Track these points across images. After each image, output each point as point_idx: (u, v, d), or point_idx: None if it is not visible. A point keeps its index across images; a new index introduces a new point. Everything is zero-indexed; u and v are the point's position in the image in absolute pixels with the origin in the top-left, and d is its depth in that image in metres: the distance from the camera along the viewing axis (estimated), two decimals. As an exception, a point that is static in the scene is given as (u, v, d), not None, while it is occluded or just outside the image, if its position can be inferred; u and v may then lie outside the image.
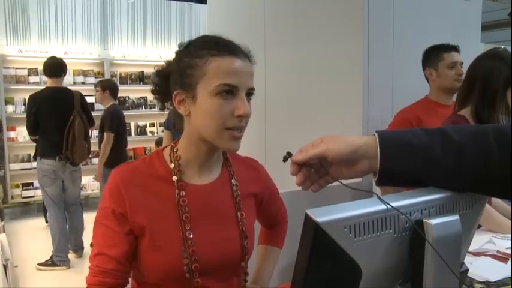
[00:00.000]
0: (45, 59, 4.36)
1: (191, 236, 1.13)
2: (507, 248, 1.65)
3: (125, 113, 5.30)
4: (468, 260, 1.56)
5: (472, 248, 1.67)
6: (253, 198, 1.31)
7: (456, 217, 0.71)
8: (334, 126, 2.96)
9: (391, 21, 2.95)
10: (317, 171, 0.84)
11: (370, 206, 0.68)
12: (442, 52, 2.56)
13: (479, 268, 1.47)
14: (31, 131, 4.27)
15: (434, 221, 0.68)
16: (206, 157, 1.19)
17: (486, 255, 1.60)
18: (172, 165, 1.18)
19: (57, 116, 4.20)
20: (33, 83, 6.46)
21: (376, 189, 2.87)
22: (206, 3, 4.70)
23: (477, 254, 1.61)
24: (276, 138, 3.49)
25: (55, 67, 4.28)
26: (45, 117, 4.17)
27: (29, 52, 6.54)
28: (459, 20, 3.31)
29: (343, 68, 2.93)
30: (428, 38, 2.98)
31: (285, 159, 0.84)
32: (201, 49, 1.11)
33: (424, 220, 0.68)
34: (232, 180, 1.25)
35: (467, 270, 0.89)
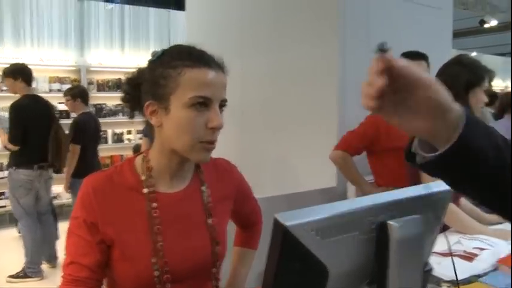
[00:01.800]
0: (14, 65, 4.25)
1: (162, 246, 1.14)
2: (474, 248, 1.71)
3: (102, 120, 5.23)
4: (436, 260, 1.62)
5: (440, 249, 1.73)
6: (227, 201, 1.33)
7: (418, 218, 0.74)
8: (310, 130, 3.01)
9: (366, 27, 3.02)
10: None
11: (337, 209, 0.70)
12: (409, 60, 2.59)
13: (446, 268, 1.53)
14: (17, 140, 4.09)
15: (397, 222, 0.71)
16: (178, 167, 1.20)
17: (454, 255, 1.65)
18: (143, 177, 1.18)
19: (39, 125, 4.14)
20: (6, 90, 6.31)
21: (352, 194, 2.95)
22: (184, 10, 4.71)
23: (445, 254, 1.67)
24: (251, 143, 3.52)
25: (30, 74, 4.23)
26: (30, 126, 4.10)
27: (2, 58, 6.39)
28: (431, 28, 3.41)
29: (318, 72, 2.98)
30: (402, 44, 3.05)
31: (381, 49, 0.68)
32: (175, 59, 1.11)
33: (387, 222, 0.71)
34: (203, 188, 1.26)
35: (432, 269, 0.92)
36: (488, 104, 3.52)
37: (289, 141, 3.14)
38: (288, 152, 3.17)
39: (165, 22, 8.04)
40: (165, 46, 1.20)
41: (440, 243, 1.87)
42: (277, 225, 0.66)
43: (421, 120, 0.67)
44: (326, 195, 2.80)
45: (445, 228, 1.97)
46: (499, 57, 18.75)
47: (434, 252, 1.73)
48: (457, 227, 1.95)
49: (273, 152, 3.24)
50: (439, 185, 0.81)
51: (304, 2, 3.12)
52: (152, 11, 7.92)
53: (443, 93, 0.67)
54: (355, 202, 0.72)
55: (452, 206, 1.98)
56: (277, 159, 3.25)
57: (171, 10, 8.08)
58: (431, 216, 0.79)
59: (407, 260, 0.74)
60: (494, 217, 2.21)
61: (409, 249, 0.74)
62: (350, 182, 2.84)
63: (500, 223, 2.12)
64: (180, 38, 7.60)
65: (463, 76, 1.99)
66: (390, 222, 0.71)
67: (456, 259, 1.64)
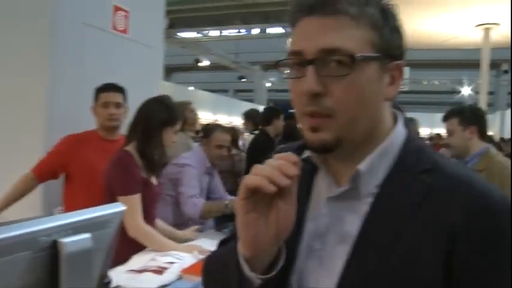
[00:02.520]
0: None
1: None
2: (165, 263, 1.96)
3: None
4: (132, 276, 1.81)
5: (137, 267, 1.93)
6: None
7: (88, 236, 0.86)
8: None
9: (80, 60, 3.07)
10: None
11: (10, 231, 0.76)
12: (100, 92, 2.67)
13: (140, 282, 1.76)
14: None
15: (67, 240, 0.82)
16: None
17: (147, 270, 1.86)
18: None
19: None
20: None
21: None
22: None
23: (141, 271, 1.87)
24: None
25: None
26: None
27: None
28: (144, 63, 3.70)
29: (28, 103, 2.88)
30: (116, 76, 3.22)
31: None
32: None
33: (58, 240, 0.81)
34: None
35: (111, 281, 1.06)
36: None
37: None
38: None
39: None
40: None
41: (138, 262, 2.08)
42: None
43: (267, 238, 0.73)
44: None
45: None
46: (211, 93, 21.26)
47: (130, 270, 1.92)
48: (154, 247, 2.17)
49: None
50: (108, 208, 0.96)
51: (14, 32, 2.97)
52: None
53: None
54: (28, 223, 0.79)
55: (149, 229, 2.21)
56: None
57: None
58: (102, 234, 0.93)
59: (80, 274, 0.86)
60: (186, 233, 2.55)
61: (80, 264, 0.85)
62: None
63: (192, 240, 2.46)
64: None
65: (160, 114, 2.23)
66: (61, 240, 0.81)
67: (149, 274, 1.84)
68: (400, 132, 0.80)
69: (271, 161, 0.71)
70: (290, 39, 0.78)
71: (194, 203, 2.81)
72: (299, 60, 0.75)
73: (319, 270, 0.78)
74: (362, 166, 0.76)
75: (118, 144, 2.38)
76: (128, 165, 2.16)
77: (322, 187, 0.83)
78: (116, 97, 2.65)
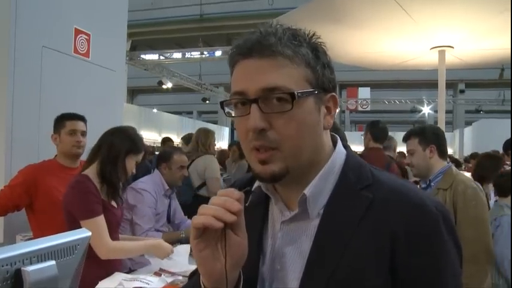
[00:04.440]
0: None
1: None
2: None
3: None
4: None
5: None
6: None
7: (52, 263, 0.85)
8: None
9: (39, 83, 3.02)
10: None
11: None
12: (65, 120, 2.69)
13: None
14: None
15: (31, 268, 0.80)
16: None
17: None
18: None
19: None
20: None
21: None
22: None
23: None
24: None
25: None
26: None
27: None
28: (106, 86, 3.66)
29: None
30: (77, 99, 3.21)
31: None
32: None
33: (22, 268, 0.79)
34: None
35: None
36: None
37: None
38: None
39: None
40: None
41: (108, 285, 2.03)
42: None
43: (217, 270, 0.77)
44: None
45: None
46: (175, 115, 21.15)
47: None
48: (122, 257, 2.22)
49: None
50: (73, 234, 0.94)
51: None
52: None
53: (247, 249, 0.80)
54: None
55: (117, 244, 2.21)
56: None
57: None
58: (68, 260, 0.91)
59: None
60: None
61: (44, 291, 0.83)
62: None
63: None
64: None
65: (124, 143, 2.27)
66: (24, 268, 0.79)
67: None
68: (340, 153, 0.88)
69: (215, 199, 0.76)
70: (231, 81, 0.83)
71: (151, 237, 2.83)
72: (242, 100, 0.80)
73: None
74: (307, 190, 0.82)
75: (78, 172, 2.36)
76: (86, 188, 2.14)
77: (276, 212, 0.89)
78: (82, 126, 2.71)
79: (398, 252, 0.75)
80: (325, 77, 0.83)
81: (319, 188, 0.83)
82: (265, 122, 0.77)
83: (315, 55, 0.82)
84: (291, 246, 0.84)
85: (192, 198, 4.06)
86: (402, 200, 0.79)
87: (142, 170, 4.44)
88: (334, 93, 0.86)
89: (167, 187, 3.12)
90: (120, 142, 2.26)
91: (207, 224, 0.73)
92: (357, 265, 0.76)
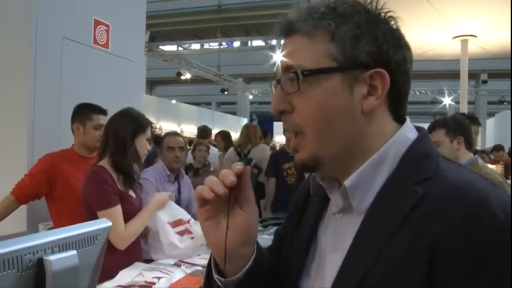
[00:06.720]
0: None
1: None
2: (153, 278, 1.94)
3: None
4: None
5: (125, 282, 1.90)
6: None
7: (74, 253, 0.85)
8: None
9: (60, 75, 3.05)
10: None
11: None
12: (93, 113, 2.73)
13: None
14: None
15: (53, 257, 0.80)
16: None
17: (135, 286, 1.84)
18: None
19: None
20: None
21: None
22: None
23: (128, 287, 1.84)
24: None
25: None
26: None
27: None
28: (125, 77, 3.68)
29: (7, 114, 2.86)
30: (96, 89, 3.23)
31: None
32: None
33: (44, 258, 0.79)
34: None
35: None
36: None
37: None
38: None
39: None
40: None
41: (125, 277, 2.05)
42: None
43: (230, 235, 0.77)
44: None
45: None
46: (194, 106, 21.24)
47: (118, 286, 1.90)
48: (137, 235, 2.24)
49: None
50: (94, 224, 0.94)
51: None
52: None
53: (256, 226, 0.81)
54: (13, 241, 0.78)
55: (128, 230, 2.19)
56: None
57: None
58: (89, 250, 0.91)
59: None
60: None
61: (67, 282, 0.83)
62: None
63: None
64: None
65: (130, 126, 2.24)
66: (46, 258, 0.80)
67: (136, 289, 1.82)
68: (400, 142, 0.74)
69: (221, 171, 0.76)
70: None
71: None
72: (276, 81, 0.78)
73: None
74: (347, 182, 0.73)
75: (94, 161, 2.38)
76: (102, 179, 2.14)
77: (333, 203, 0.82)
78: (106, 120, 2.70)
79: (439, 266, 0.60)
80: (359, 49, 0.71)
81: (364, 180, 0.73)
82: (285, 103, 0.75)
83: (344, 24, 0.71)
84: (336, 243, 0.77)
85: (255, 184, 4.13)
86: (457, 198, 0.62)
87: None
88: (380, 69, 0.71)
89: (169, 172, 3.14)
90: (123, 127, 2.23)
91: (201, 194, 0.75)
92: (388, 275, 0.64)
